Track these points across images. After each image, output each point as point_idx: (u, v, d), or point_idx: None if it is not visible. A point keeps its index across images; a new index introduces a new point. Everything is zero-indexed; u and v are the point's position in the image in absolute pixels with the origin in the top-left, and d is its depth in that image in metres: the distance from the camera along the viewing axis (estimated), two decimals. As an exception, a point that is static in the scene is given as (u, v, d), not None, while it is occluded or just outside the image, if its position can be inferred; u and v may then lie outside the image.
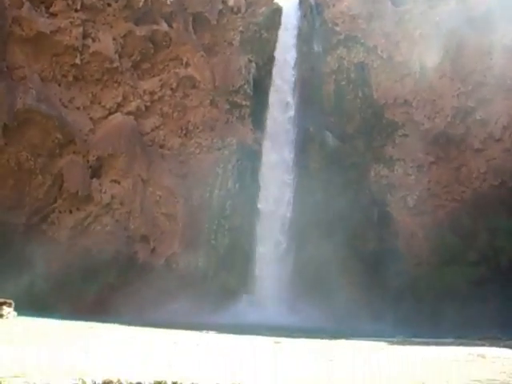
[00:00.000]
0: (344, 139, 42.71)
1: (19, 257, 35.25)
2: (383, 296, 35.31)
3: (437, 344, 21.63)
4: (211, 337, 21.86)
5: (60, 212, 39.10)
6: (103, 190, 39.64)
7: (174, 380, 10.23)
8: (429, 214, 39.58)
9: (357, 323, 31.30)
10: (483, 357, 17.07)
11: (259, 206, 41.62)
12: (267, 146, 42.91)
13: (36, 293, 33.20)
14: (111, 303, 33.62)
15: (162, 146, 41.71)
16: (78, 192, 38.90)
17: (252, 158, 42.17)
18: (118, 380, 10.25)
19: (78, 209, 39.26)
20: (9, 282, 30.96)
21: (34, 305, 29.51)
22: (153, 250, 39.49)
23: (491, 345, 20.75)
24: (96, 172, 39.88)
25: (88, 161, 39.67)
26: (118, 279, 36.96)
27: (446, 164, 40.17)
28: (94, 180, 39.65)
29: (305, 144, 42.47)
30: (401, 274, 37.22)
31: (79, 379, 10.16)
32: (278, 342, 19.98)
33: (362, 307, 34.31)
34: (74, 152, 39.29)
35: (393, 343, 21.61)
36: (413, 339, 23.69)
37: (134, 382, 10.19)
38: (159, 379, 10.25)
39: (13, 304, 29.50)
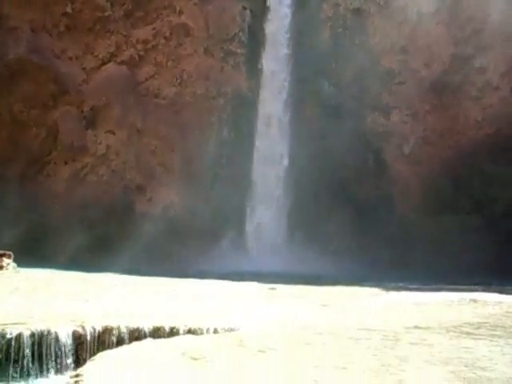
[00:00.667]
0: (340, 87, 42.35)
1: (16, 209, 35.37)
2: (378, 243, 35.73)
3: (430, 290, 22.02)
4: (208, 283, 22.19)
5: (55, 164, 39.03)
6: (98, 141, 39.47)
7: (172, 325, 10.49)
8: (424, 162, 39.63)
9: (352, 270, 31.67)
10: (475, 301, 17.45)
11: (255, 154, 41.61)
12: (262, 95, 42.58)
13: (34, 244, 33.43)
14: (108, 252, 33.90)
15: (156, 96, 41.31)
16: (73, 143, 38.74)
17: (247, 106, 41.89)
18: (118, 327, 10.50)
19: (73, 160, 39.17)
20: (7, 234, 31.18)
21: (33, 256, 29.77)
22: (149, 200, 39.62)
23: (483, 290, 21.16)
24: (90, 123, 39.61)
25: (82, 111, 39.36)
26: (115, 229, 37.17)
27: (442, 112, 39.97)
28: (89, 131, 39.43)
29: (300, 92, 42.16)
30: (395, 221, 37.57)
31: (79, 326, 10.40)
32: (273, 289, 20.31)
33: (357, 254, 34.71)
34: (67, 103, 38.93)
35: (387, 289, 22.00)
36: (406, 285, 24.09)
37: (133, 328, 10.44)
38: (158, 325, 10.50)
39: (12, 256, 29.79)
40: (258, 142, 41.85)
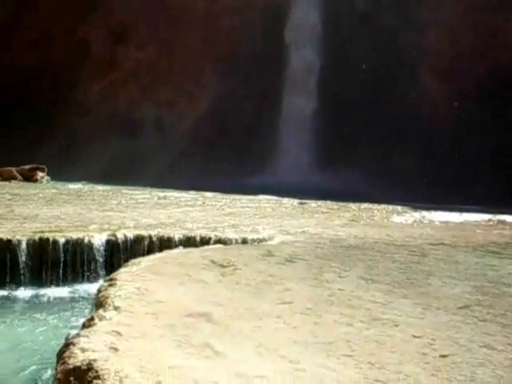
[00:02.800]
0: (375, 2, 40.93)
1: (48, 124, 35.76)
2: (408, 161, 35.45)
3: (459, 210, 21.97)
4: (238, 197, 22.44)
5: (86, 79, 39.03)
6: (128, 56, 39.18)
7: (203, 235, 10.73)
8: (458, 79, 38.59)
9: (382, 188, 31.65)
10: (503, 223, 17.39)
11: (286, 69, 40.93)
12: (295, 4, 41.36)
13: (66, 158, 33.99)
14: (138, 167, 34.33)
15: (186, 10, 40.49)
16: (103, 58, 38.53)
17: (278, 19, 40.84)
18: (149, 236, 10.77)
19: (103, 75, 39.10)
20: (40, 148, 31.68)
21: (65, 170, 30.32)
22: (179, 115, 39.63)
23: (512, 213, 21.03)
24: (120, 38, 39.21)
25: (112, 27, 38.91)
26: (146, 143, 37.48)
27: (481, 30, 38.52)
28: (119, 46, 39.09)
29: (335, 7, 40.86)
30: (425, 139, 37.07)
31: (112, 235, 10.69)
32: (302, 203, 20.49)
33: (387, 172, 34.56)
34: (97, 18, 38.47)
35: (416, 207, 22.01)
36: (436, 205, 24.05)
37: (164, 237, 10.69)
38: (188, 234, 10.74)
39: (46, 169, 30.42)
40: (291, 55, 41.09)
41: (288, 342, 4.73)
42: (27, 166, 29.67)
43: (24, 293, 9.47)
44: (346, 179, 33.49)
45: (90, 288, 9.37)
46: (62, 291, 9.64)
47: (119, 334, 4.42)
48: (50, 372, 5.71)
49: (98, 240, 10.34)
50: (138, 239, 10.64)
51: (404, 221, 16.49)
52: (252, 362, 4.24)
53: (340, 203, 21.75)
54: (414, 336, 4.92)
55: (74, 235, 10.37)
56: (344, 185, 32.14)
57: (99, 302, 5.43)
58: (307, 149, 38.39)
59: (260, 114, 39.36)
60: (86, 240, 10.26)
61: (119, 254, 10.03)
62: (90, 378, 3.66)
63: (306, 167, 37.26)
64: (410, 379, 3.98)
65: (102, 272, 9.96)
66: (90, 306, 7.01)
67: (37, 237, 10.17)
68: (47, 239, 10.12)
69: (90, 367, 3.78)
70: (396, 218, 17.15)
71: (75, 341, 4.29)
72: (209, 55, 39.69)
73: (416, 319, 5.45)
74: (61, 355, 4.30)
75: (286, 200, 21.94)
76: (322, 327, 5.18)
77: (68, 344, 4.31)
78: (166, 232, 11.06)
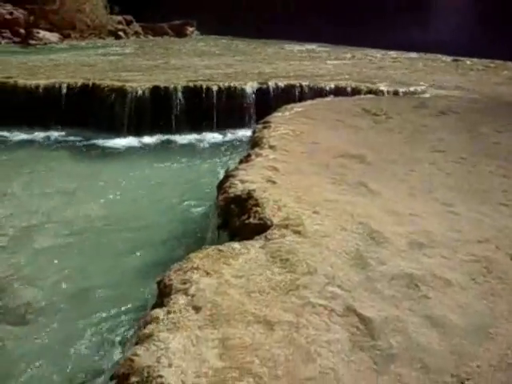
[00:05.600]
0: None
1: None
2: None
3: None
4: (391, 53, 21.54)
5: None
6: None
7: (354, 86, 10.54)
8: None
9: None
10: None
11: None
12: None
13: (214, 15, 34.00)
14: (277, 24, 33.59)
15: None
16: None
17: None
18: (300, 85, 10.76)
19: None
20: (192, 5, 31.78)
21: (213, 23, 30.42)
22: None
23: None
24: None
25: None
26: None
27: None
28: None
29: None
30: None
31: (263, 83, 10.82)
32: (456, 60, 19.32)
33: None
34: None
35: None
36: None
37: (316, 87, 10.62)
38: (340, 85, 10.56)
39: (194, 24, 30.81)
40: None
41: (441, 187, 4.68)
42: (178, 22, 30.24)
43: (180, 138, 10.02)
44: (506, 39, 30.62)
45: (242, 133, 9.72)
46: (215, 136, 10.09)
47: (276, 169, 4.60)
48: (208, 203, 6.14)
49: (250, 88, 10.53)
50: (289, 88, 10.69)
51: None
52: (405, 201, 4.26)
53: (497, 61, 20.18)
54: None
55: (227, 83, 10.62)
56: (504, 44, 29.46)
57: (255, 142, 5.63)
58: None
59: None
60: (238, 87, 10.49)
61: (270, 102, 10.17)
62: (249, 206, 3.88)
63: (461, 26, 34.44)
64: None
65: (253, 118, 10.19)
66: (242, 150, 7.30)
67: (191, 84, 10.55)
68: (201, 86, 10.46)
69: (249, 196, 4.00)
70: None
71: (234, 173, 4.52)
72: None
73: None
74: (221, 186, 4.58)
75: (438, 56, 20.72)
76: (477, 176, 5.05)
77: (228, 176, 4.57)
78: (316, 82, 10.99)
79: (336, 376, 2.38)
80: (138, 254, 5.47)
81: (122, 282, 4.96)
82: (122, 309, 4.55)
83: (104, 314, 4.47)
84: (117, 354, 3.83)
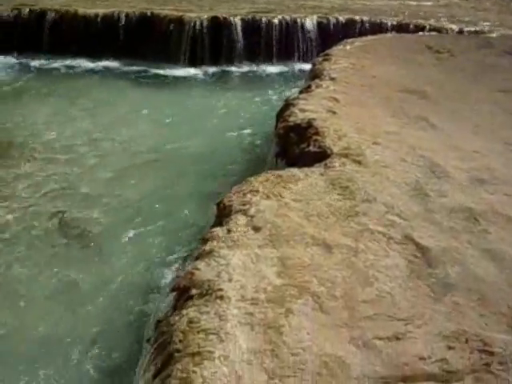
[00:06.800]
0: None
1: None
2: None
3: None
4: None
5: None
6: None
7: (417, 23, 10.13)
8: None
9: None
10: None
11: None
12: None
13: None
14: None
15: None
16: None
17: None
18: (361, 20, 10.46)
19: None
20: None
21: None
22: None
23: None
24: None
25: None
26: None
27: None
28: None
29: None
30: None
31: (324, 17, 10.55)
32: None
33: None
34: None
35: None
36: None
37: (378, 22, 10.27)
38: (403, 22, 10.23)
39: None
40: None
41: (505, 126, 4.56)
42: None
43: (238, 69, 9.93)
44: None
45: (301, 66, 9.55)
46: (274, 68, 9.95)
47: (336, 100, 4.55)
48: (265, 133, 6.13)
49: (310, 22, 10.30)
50: (350, 23, 10.40)
51: None
52: (468, 138, 4.18)
53: None
54: None
55: (287, 16, 10.41)
56: None
57: (315, 74, 5.55)
58: None
59: None
60: (298, 21, 10.26)
61: (331, 36, 9.92)
62: (309, 134, 3.87)
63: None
64: None
65: (312, 52, 9.96)
66: (301, 83, 7.19)
67: (251, 16, 10.36)
68: (261, 19, 10.28)
69: (309, 125, 3.98)
70: None
71: (295, 102, 4.50)
72: None
73: None
74: (280, 115, 4.57)
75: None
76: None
77: (288, 105, 4.54)
78: (378, 17, 10.65)
79: (393, 300, 2.41)
80: (197, 177, 5.53)
81: (181, 204, 5.06)
82: (185, 227, 4.67)
83: (168, 231, 4.61)
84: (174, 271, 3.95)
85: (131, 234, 4.55)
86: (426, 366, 2.18)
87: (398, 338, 2.26)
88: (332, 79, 5.12)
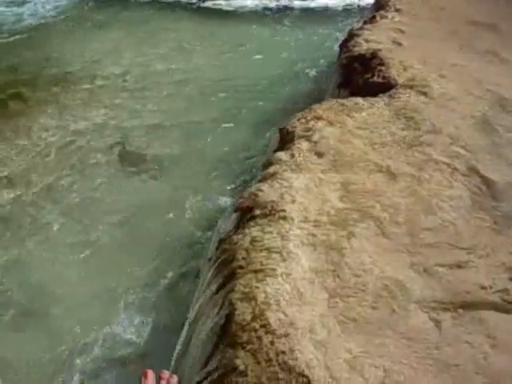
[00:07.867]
0: None
1: None
2: None
3: None
4: None
5: None
6: None
7: None
8: None
9: None
10: None
11: None
12: None
13: None
14: None
15: None
16: None
17: None
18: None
19: None
20: None
21: None
22: None
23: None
24: None
25: None
26: None
27: None
28: None
29: None
30: None
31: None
32: None
33: None
34: None
35: None
36: None
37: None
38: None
39: None
40: None
41: None
42: None
43: (300, 3, 9.63)
44: None
45: (363, 2, 9.21)
46: (333, 2, 9.63)
47: (401, 31, 4.41)
48: (326, 66, 6.04)
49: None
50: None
51: None
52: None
53: None
54: None
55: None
56: None
57: (380, 5, 5.36)
58: None
59: None
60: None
61: None
62: (374, 65, 3.78)
63: None
64: None
65: None
66: (363, 17, 6.97)
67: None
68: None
69: (374, 55, 3.88)
70: None
71: (359, 33, 4.38)
72: None
73: None
74: (344, 44, 4.47)
75: None
76: None
77: (352, 35, 4.43)
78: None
79: (456, 230, 2.39)
80: (257, 104, 5.54)
81: (243, 128, 5.11)
82: (247, 151, 4.75)
83: (229, 153, 4.72)
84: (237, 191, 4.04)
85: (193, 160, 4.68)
86: (488, 295, 2.18)
87: (459, 267, 2.26)
88: (397, 10, 4.95)
